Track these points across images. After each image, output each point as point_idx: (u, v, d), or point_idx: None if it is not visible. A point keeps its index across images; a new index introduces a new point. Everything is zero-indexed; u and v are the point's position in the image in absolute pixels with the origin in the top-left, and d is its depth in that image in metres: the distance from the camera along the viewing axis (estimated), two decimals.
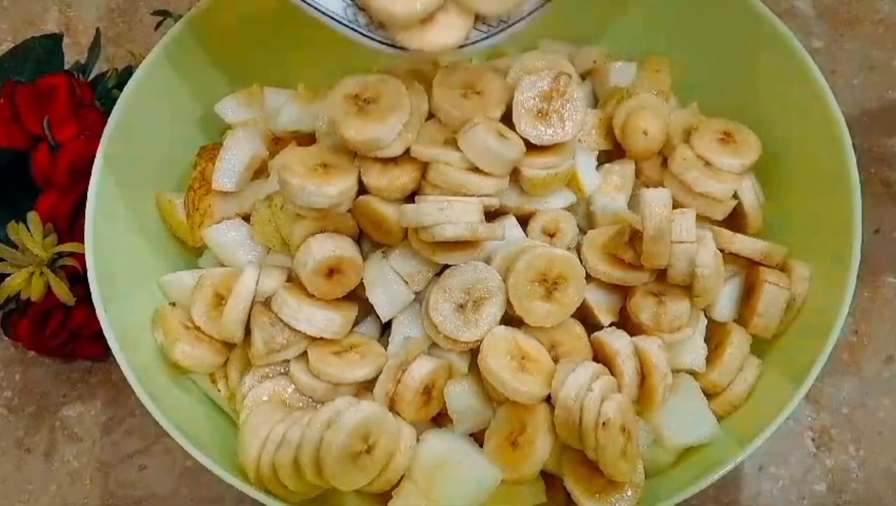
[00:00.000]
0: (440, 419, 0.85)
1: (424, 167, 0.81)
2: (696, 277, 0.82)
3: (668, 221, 0.80)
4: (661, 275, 0.84)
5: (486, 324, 0.81)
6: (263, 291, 0.85)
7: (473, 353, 0.82)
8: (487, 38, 0.77)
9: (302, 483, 0.76)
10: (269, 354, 0.83)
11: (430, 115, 0.86)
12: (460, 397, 0.82)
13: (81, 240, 0.86)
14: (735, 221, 0.91)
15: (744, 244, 0.88)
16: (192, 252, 0.97)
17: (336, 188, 0.79)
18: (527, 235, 0.87)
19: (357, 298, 0.86)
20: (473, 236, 0.78)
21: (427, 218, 0.78)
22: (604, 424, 0.75)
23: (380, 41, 0.75)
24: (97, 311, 0.83)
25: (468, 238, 0.78)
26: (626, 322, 0.85)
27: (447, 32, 0.74)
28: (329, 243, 0.82)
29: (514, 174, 0.85)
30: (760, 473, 0.98)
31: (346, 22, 0.75)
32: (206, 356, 0.87)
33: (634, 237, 0.82)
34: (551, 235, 0.87)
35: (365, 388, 0.83)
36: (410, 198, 0.83)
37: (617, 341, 0.82)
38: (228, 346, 0.88)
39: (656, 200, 0.80)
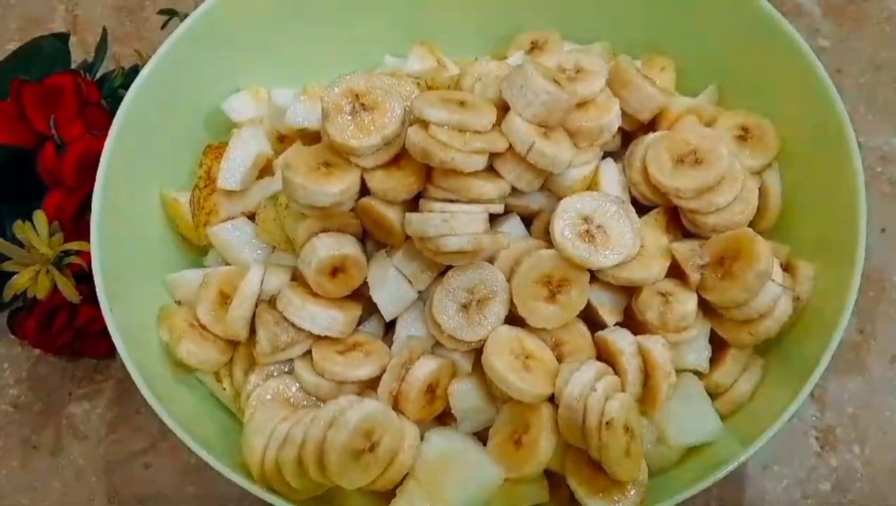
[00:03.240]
0: (444, 418, 0.85)
1: (429, 170, 0.81)
2: (769, 319, 0.83)
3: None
4: (670, 274, 0.84)
5: (489, 323, 0.81)
6: (268, 290, 0.85)
7: (477, 352, 0.82)
8: None
9: (306, 481, 0.77)
10: (274, 352, 0.83)
11: None
12: (464, 396, 0.82)
13: (87, 238, 0.86)
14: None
15: None
16: (198, 251, 0.97)
17: (337, 187, 0.79)
18: (530, 234, 0.87)
19: (361, 296, 0.86)
20: (477, 248, 0.78)
21: (432, 229, 0.78)
22: (607, 423, 0.75)
23: None
24: (102, 309, 0.83)
25: (472, 250, 0.78)
26: (629, 321, 0.85)
27: None
28: (333, 242, 0.82)
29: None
30: (764, 472, 0.98)
31: None
32: (211, 355, 0.87)
33: (712, 266, 0.83)
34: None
35: (369, 386, 0.83)
36: (415, 200, 0.83)
37: (621, 340, 0.82)
38: (233, 344, 0.88)
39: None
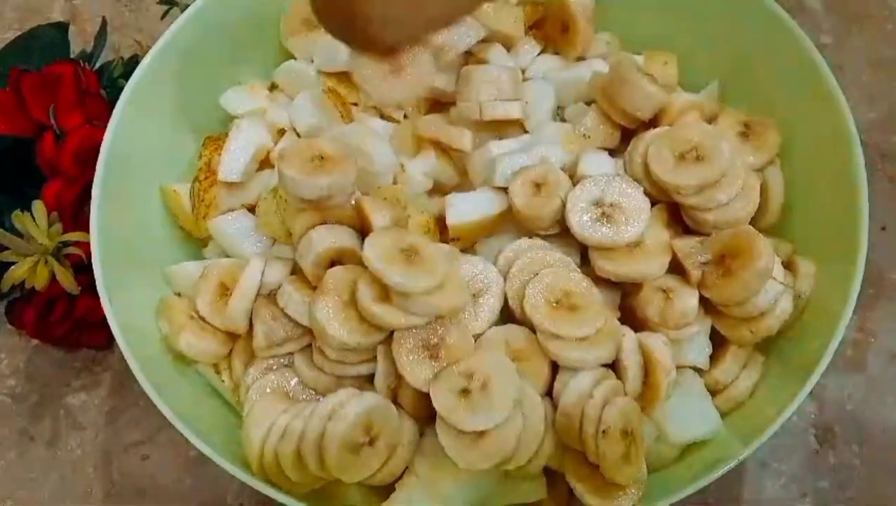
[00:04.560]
0: None
1: None
2: (770, 317, 0.83)
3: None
4: (671, 270, 0.84)
5: (485, 316, 0.82)
6: (268, 283, 0.85)
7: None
8: None
9: (305, 474, 0.76)
10: (270, 347, 0.83)
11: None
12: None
13: (86, 229, 0.86)
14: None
15: None
16: (198, 243, 0.97)
17: (326, 181, 0.79)
18: (512, 191, 0.87)
19: None
20: None
21: None
22: (604, 431, 0.75)
23: None
24: (102, 300, 0.83)
25: None
26: (629, 318, 0.85)
27: None
28: (330, 235, 0.82)
29: None
30: (763, 469, 0.98)
31: None
32: (211, 347, 0.87)
33: (713, 264, 0.83)
34: (538, 186, 0.87)
35: (368, 381, 0.82)
36: None
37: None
38: (233, 336, 0.88)
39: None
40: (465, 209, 0.88)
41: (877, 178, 1.11)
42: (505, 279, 0.83)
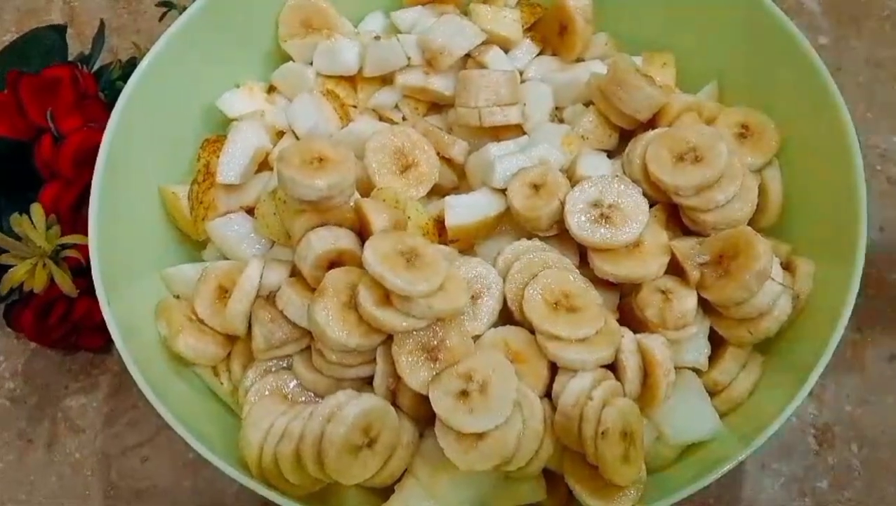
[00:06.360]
0: None
1: None
2: (768, 318, 0.83)
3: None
4: (670, 271, 0.84)
5: (485, 317, 0.82)
6: (267, 285, 0.84)
7: None
8: None
9: (303, 476, 0.76)
10: (269, 349, 0.83)
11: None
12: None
13: (85, 232, 0.86)
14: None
15: None
16: (196, 245, 0.97)
17: (325, 182, 0.79)
18: (511, 192, 0.88)
19: None
20: None
21: None
22: (603, 433, 0.75)
23: None
24: (100, 303, 0.82)
25: None
26: (628, 319, 0.85)
27: None
28: (329, 237, 0.82)
29: None
30: (762, 469, 0.98)
31: None
32: (209, 349, 0.86)
33: (712, 264, 0.83)
34: (537, 188, 0.87)
35: (367, 383, 0.82)
36: None
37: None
38: (231, 339, 0.88)
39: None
40: (465, 211, 0.88)
41: (875, 179, 1.12)
42: (504, 281, 0.83)
